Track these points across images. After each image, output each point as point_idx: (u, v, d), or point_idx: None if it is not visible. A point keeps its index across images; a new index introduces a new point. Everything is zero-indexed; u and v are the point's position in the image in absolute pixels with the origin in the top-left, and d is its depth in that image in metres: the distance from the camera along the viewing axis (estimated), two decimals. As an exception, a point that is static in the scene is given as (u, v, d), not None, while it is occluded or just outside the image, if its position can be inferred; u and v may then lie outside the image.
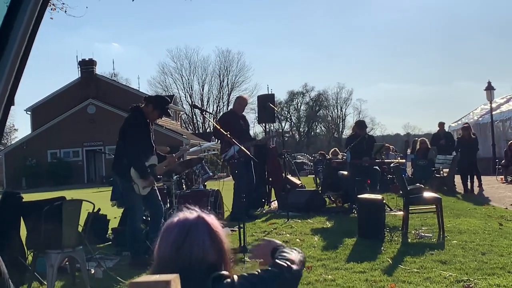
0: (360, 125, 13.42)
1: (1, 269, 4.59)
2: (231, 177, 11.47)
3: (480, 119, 30.10)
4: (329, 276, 6.25)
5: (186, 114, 76.28)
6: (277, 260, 2.36)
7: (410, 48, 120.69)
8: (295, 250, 2.51)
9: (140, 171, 7.24)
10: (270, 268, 2.30)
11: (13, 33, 1.46)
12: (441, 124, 19.77)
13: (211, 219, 2.25)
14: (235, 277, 2.19)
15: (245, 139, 10.46)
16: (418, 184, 11.45)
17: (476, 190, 16.44)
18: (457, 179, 16.81)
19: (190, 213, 2.24)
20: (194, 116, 78.09)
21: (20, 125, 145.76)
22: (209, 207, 9.42)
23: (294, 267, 2.34)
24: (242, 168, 10.08)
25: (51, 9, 11.83)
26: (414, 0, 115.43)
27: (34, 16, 1.52)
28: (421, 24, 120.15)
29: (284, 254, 2.46)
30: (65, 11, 12.17)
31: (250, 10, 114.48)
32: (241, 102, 11.93)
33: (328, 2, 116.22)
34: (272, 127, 14.14)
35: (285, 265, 2.31)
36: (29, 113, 49.89)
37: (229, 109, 12.61)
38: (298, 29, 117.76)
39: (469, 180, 16.42)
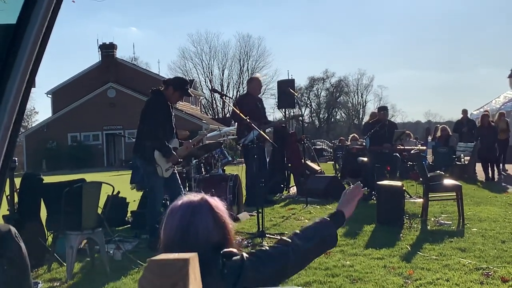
0: (381, 110, 13.34)
1: (22, 250, 4.64)
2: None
3: (502, 107, 29.77)
4: (348, 262, 6.25)
5: (206, 99, 76.37)
6: (284, 238, 2.42)
7: (432, 35, 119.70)
8: (322, 224, 2.59)
9: (163, 150, 7.28)
10: (277, 245, 2.35)
11: (33, 15, 1.45)
12: (464, 111, 19.55)
13: (215, 201, 2.29)
14: (244, 254, 2.22)
15: (263, 123, 10.40)
16: (438, 172, 11.38)
17: (496, 178, 16.30)
18: (478, 167, 16.68)
19: (194, 196, 2.28)
20: (214, 101, 78.19)
21: (41, 108, 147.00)
22: (229, 192, 9.44)
23: (302, 244, 2.39)
24: (255, 153, 10.02)
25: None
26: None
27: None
28: (442, 9, 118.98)
29: (306, 228, 2.54)
30: (86, -5, 12.19)
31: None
32: (257, 83, 11.80)
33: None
34: (292, 113, 14.09)
35: (291, 241, 2.37)
36: (50, 96, 50.23)
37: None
38: (319, 14, 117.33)
39: (489, 168, 16.28)
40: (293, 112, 13.91)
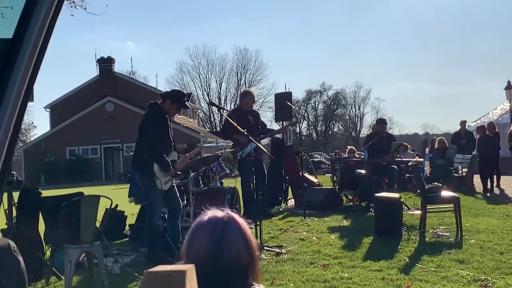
0: (379, 123, 13.38)
1: (21, 264, 4.63)
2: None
3: (499, 118, 29.82)
4: (346, 274, 6.24)
5: (204, 112, 76.47)
6: None
7: (428, 47, 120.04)
8: None
9: (162, 164, 7.25)
10: None
11: (29, 30, 1.47)
12: (463, 123, 19.52)
13: (239, 217, 2.24)
14: None
15: (254, 135, 10.36)
16: (436, 183, 11.38)
17: (495, 189, 16.30)
18: (476, 178, 16.69)
19: (218, 211, 2.23)
20: (212, 114, 78.30)
21: (39, 122, 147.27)
22: (237, 206, 9.45)
23: None
24: (249, 167, 9.96)
25: (71, 6, 11.86)
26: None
27: (51, 11, 1.52)
28: (439, 22, 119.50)
29: None
30: (85, 9, 12.21)
31: (267, 9, 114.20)
32: (250, 97, 11.64)
33: (345, 0, 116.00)
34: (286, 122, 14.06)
35: None
36: (48, 110, 50.36)
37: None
38: (316, 27, 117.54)
39: (488, 180, 16.29)
40: (304, 130, 13.92)
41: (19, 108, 1.49)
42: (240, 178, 11.13)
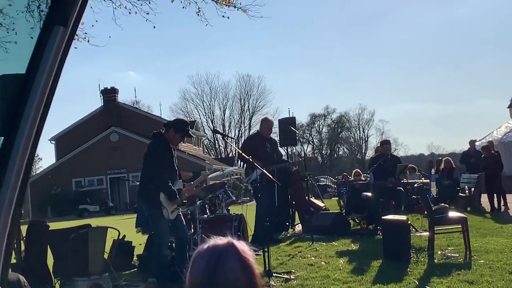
0: (383, 144, 13.41)
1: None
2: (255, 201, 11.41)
3: (504, 137, 29.77)
4: (356, 298, 6.21)
5: (208, 140, 76.69)
6: None
7: (429, 67, 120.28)
8: None
9: (168, 193, 7.27)
10: None
11: (42, 64, 1.51)
12: (472, 142, 19.47)
13: (241, 245, 2.23)
14: None
15: (270, 163, 10.44)
16: (443, 204, 11.35)
17: (502, 208, 16.23)
18: (484, 198, 16.62)
19: (220, 239, 2.24)
20: (216, 141, 78.54)
21: (45, 155, 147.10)
22: (238, 232, 9.44)
23: None
24: (264, 192, 10.01)
25: (74, 39, 11.93)
26: (431, 19, 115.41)
27: (62, 46, 1.56)
28: (438, 42, 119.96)
29: None
30: (88, 41, 12.28)
31: (269, 36, 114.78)
32: (268, 125, 11.83)
33: (344, 24, 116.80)
34: (294, 150, 14.13)
35: None
36: (53, 142, 50.50)
37: (252, 132, 12.58)
38: (317, 52, 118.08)
39: (495, 199, 16.23)
40: (309, 154, 13.99)
41: (33, 141, 1.52)
42: (247, 204, 11.16)
